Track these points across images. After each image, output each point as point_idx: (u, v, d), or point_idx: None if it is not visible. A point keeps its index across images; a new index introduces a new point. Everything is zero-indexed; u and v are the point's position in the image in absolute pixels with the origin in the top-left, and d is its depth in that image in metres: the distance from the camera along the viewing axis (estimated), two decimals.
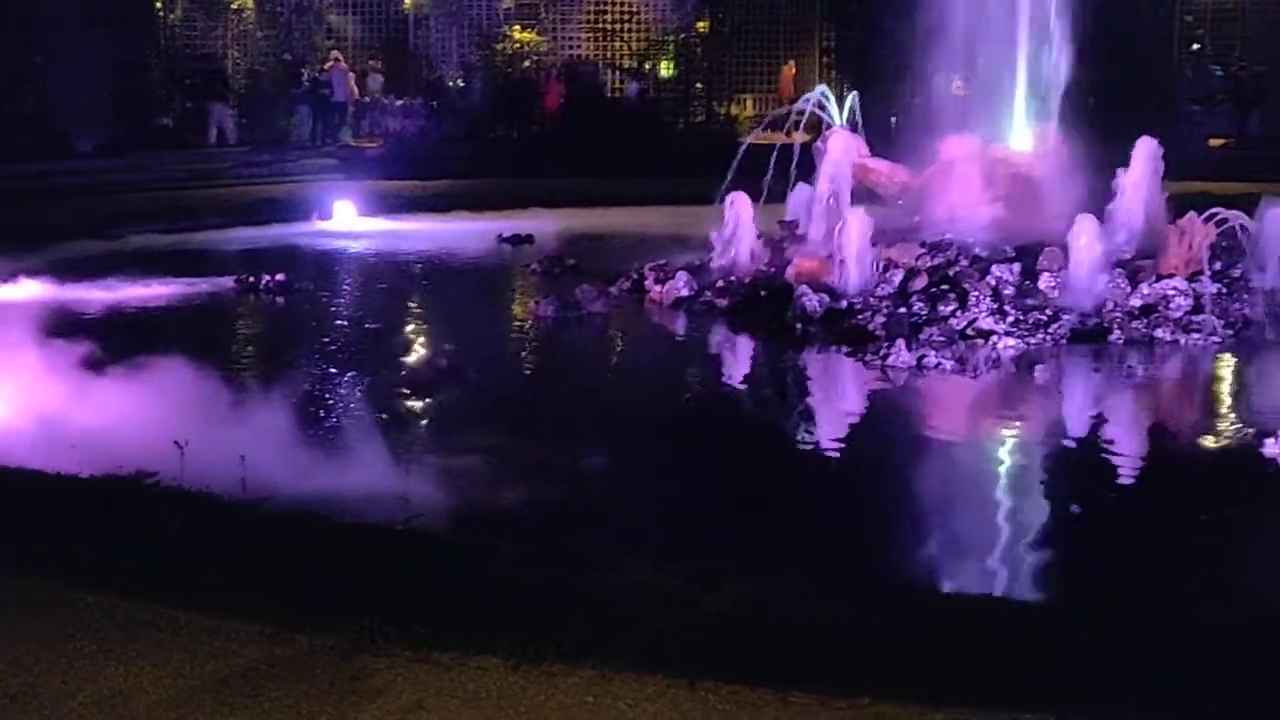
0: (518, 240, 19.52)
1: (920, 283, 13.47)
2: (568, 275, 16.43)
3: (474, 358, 12.08)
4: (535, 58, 33.31)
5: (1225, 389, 12.01)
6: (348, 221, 20.91)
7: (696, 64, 33.26)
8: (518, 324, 14.79)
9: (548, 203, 22.09)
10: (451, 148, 29.37)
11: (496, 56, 33.35)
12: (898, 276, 13.61)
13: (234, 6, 32.81)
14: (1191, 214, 13.69)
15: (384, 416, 9.67)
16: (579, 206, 22.04)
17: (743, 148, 16.69)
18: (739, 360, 13.48)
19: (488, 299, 16.43)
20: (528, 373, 12.68)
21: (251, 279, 15.55)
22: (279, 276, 15.56)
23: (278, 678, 4.93)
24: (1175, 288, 13.10)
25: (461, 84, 33.68)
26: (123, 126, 29.32)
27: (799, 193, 15.75)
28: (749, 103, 33.09)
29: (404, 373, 11.65)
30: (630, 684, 4.87)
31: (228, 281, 15.65)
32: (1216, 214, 13.78)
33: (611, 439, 9.71)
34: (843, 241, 13.80)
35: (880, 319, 12.89)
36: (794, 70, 32.80)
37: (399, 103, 33.24)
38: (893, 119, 17.70)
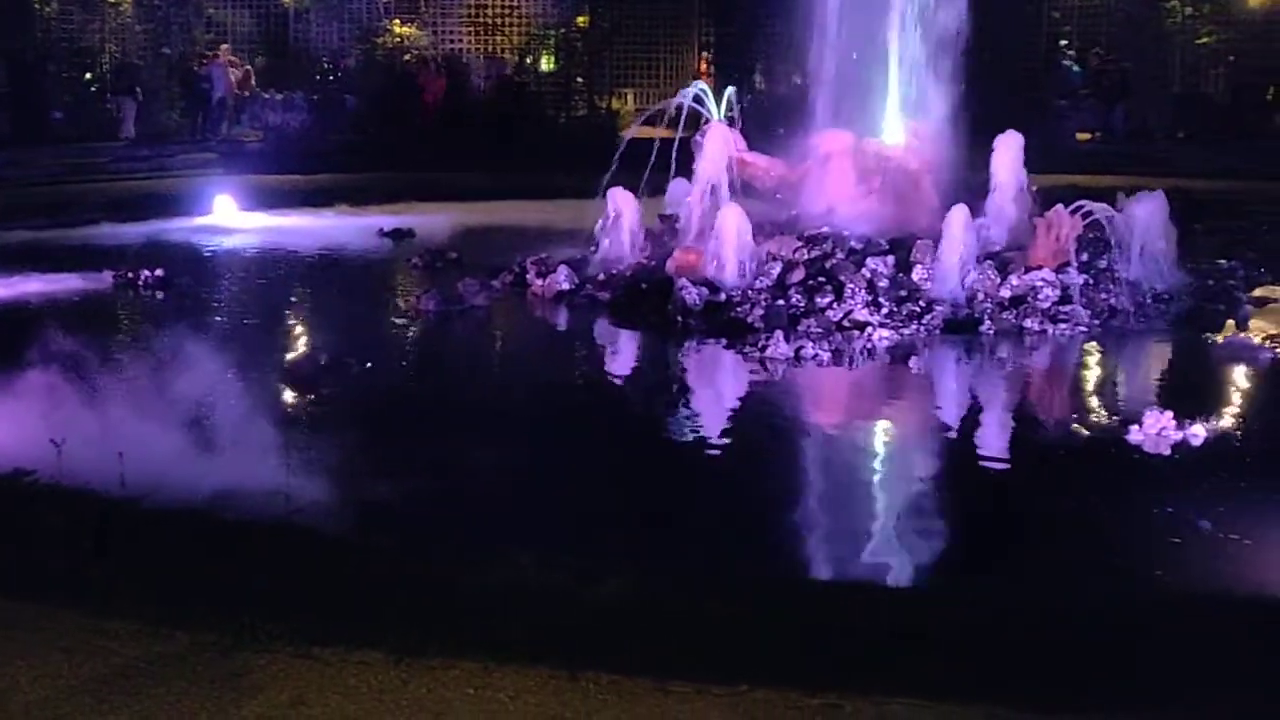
0: (399, 234, 19.44)
1: (797, 275, 13.66)
2: (449, 269, 16.44)
3: (355, 352, 12.04)
4: (415, 51, 33.15)
5: (1092, 377, 12.33)
6: (228, 216, 20.68)
7: (577, 58, 33.31)
8: (399, 318, 14.75)
9: (429, 196, 22.03)
10: (332, 141, 29.14)
11: (377, 50, 33.14)
12: (775, 269, 13.79)
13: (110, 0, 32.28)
14: (1059, 207, 14.01)
15: (264, 412, 9.60)
16: (460, 200, 22.01)
17: (623, 141, 16.80)
18: (620, 353, 13.58)
19: (369, 293, 16.37)
20: (409, 367, 12.68)
21: (130, 274, 15.35)
22: (158, 272, 15.38)
23: (158, 675, 4.92)
24: (1043, 279, 13.42)
25: (342, 78, 33.41)
26: (4, 120, 28.75)
27: (678, 186, 15.90)
28: (630, 97, 33.21)
29: (284, 368, 11.59)
30: (511, 676, 4.92)
31: (106, 277, 15.44)
32: (1083, 206, 14.10)
33: (493, 433, 9.74)
34: (721, 235, 13.97)
35: (759, 311, 13.07)
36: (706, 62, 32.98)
37: (279, 97, 32.89)
38: (771, 112, 17.90)
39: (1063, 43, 30.55)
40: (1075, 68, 29.29)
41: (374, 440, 9.33)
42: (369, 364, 11.59)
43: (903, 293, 13.36)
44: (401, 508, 7.92)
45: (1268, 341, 12.53)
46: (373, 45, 33.25)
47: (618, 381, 12.33)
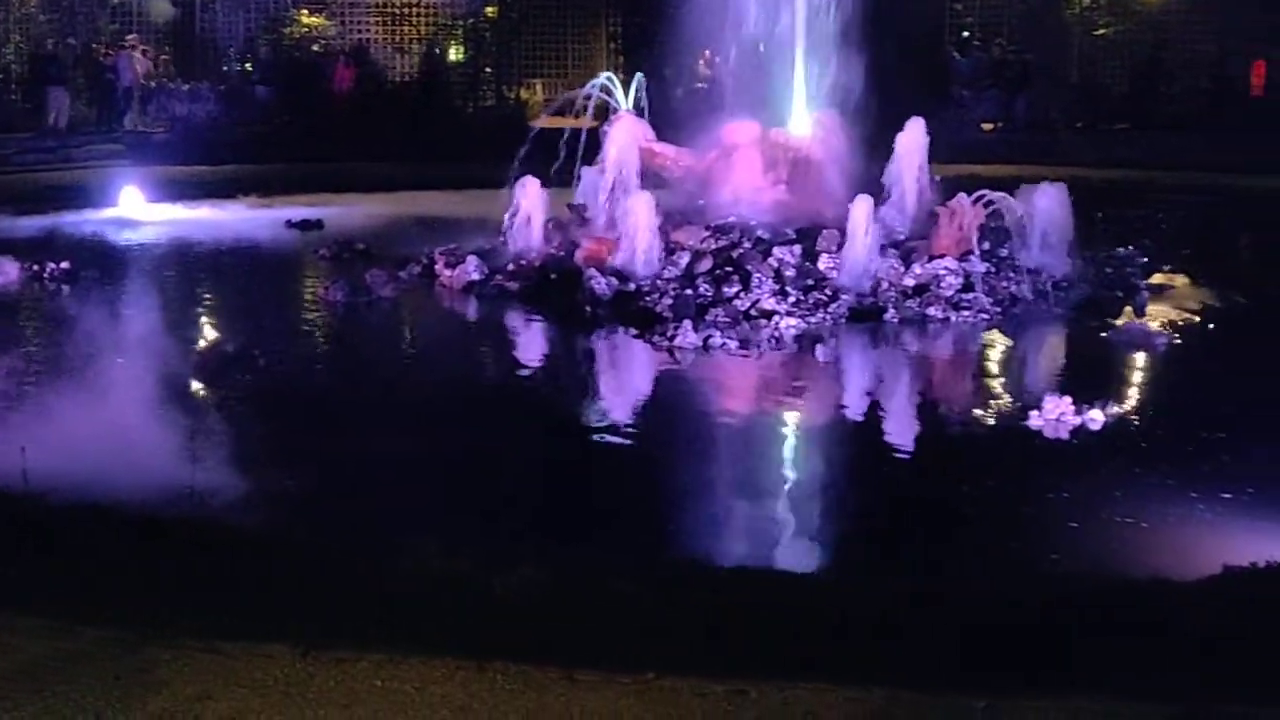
0: (307, 225, 19.33)
1: (705, 265, 13.77)
2: (357, 260, 16.38)
3: (262, 344, 11.97)
4: (323, 42, 32.92)
5: (993, 364, 12.52)
6: (135, 208, 20.44)
7: (486, 48, 33.21)
8: (307, 309, 14.68)
9: (337, 187, 21.92)
10: (240, 133, 28.85)
11: (284, 40, 32.86)
12: (684, 259, 13.89)
13: None
14: (961, 196, 14.23)
15: (169, 405, 9.51)
16: (369, 191, 21.94)
17: (532, 132, 16.82)
18: (529, 343, 13.60)
19: (276, 285, 16.26)
20: (317, 358, 12.63)
21: (35, 267, 15.14)
22: (64, 264, 15.19)
23: (63, 671, 4.89)
24: (946, 267, 13.62)
25: (249, 68, 33.08)
26: None
27: (587, 176, 15.95)
28: (539, 87, 33.17)
29: (190, 360, 11.49)
30: (418, 667, 4.94)
31: (11, 270, 15.19)
32: (984, 196, 14.33)
33: (400, 424, 9.76)
34: (629, 225, 14.04)
35: (667, 301, 13.15)
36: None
37: (185, 87, 32.46)
38: (678, 103, 17.99)
39: (965, 33, 30.91)
40: (960, 57, 29.57)
41: (279, 432, 9.31)
42: (274, 356, 11.53)
43: (809, 282, 13.50)
44: (308, 500, 7.91)
45: (1164, 328, 12.83)
46: (280, 35, 32.93)
47: (526, 371, 12.34)
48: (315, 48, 32.88)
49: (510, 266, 14.81)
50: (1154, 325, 12.88)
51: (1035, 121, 28.87)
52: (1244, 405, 9.98)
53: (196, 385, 10.56)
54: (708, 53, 16.63)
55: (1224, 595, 5.93)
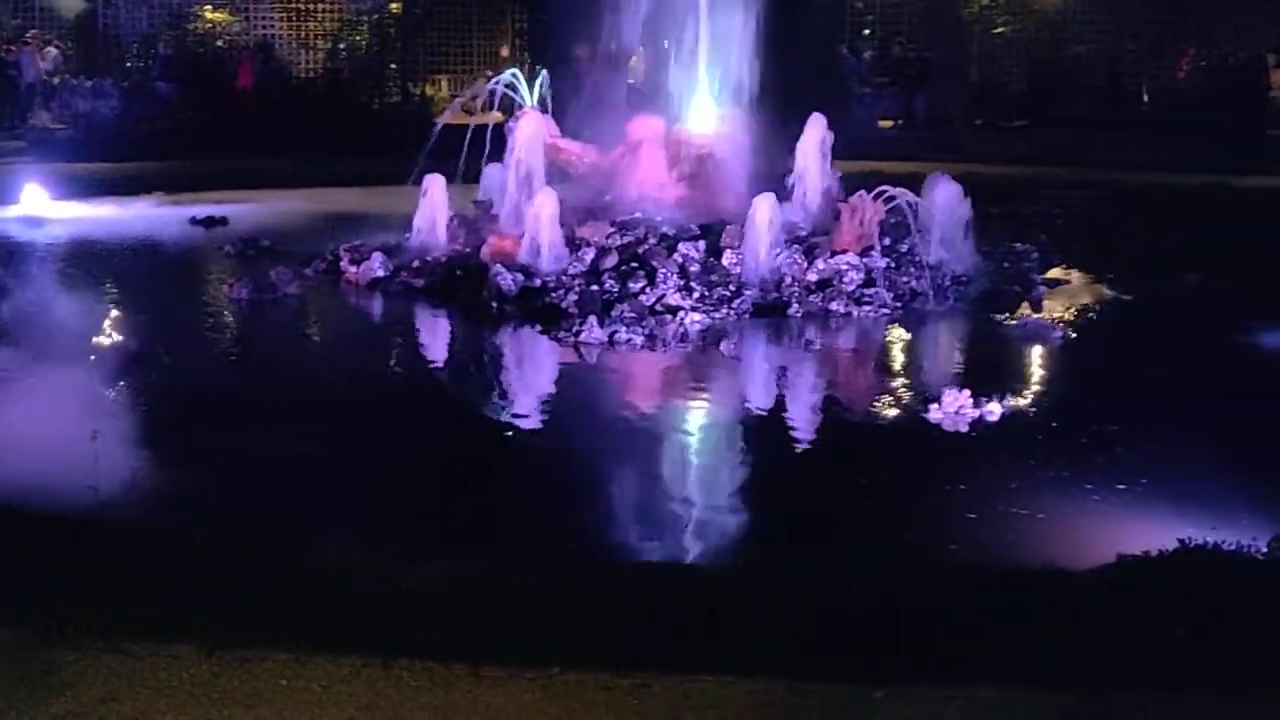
0: (211, 222, 19.15)
1: (611, 261, 13.84)
2: (262, 257, 16.27)
3: (165, 342, 11.87)
4: (227, 37, 32.60)
5: (894, 358, 12.67)
6: (38, 206, 20.13)
7: (390, 44, 33.07)
8: (211, 307, 14.55)
9: (242, 184, 21.74)
10: (144, 129, 28.48)
11: (188, 36, 32.50)
12: (589, 255, 13.95)
13: None
14: (862, 192, 14.40)
15: (73, 403, 9.42)
16: (273, 188, 21.78)
17: (437, 128, 16.80)
18: (435, 339, 13.61)
19: (180, 282, 16.09)
20: (221, 356, 12.51)
21: None
22: None
23: None
24: (848, 263, 13.80)
25: (153, 64, 32.68)
26: None
27: (492, 172, 15.97)
28: (444, 83, 33.08)
29: (92, 358, 11.35)
30: (324, 666, 4.97)
31: None
32: (885, 192, 14.51)
33: (305, 421, 9.74)
34: (535, 221, 14.07)
35: (573, 297, 13.20)
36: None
37: (89, 84, 32.00)
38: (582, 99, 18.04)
39: (866, 31, 31.27)
40: (846, 53, 29.89)
41: (183, 430, 9.24)
42: (178, 354, 11.43)
43: (713, 277, 13.61)
44: (213, 498, 7.87)
45: (1060, 322, 13.09)
46: (184, 31, 32.57)
47: (432, 368, 12.36)
48: (219, 44, 32.55)
49: (415, 263, 14.79)
50: (1050, 319, 13.13)
51: (934, 119, 29.26)
52: (1137, 398, 10.24)
53: (99, 384, 10.43)
54: (641, 49, 16.67)
55: (1118, 584, 6.07)
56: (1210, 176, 21.32)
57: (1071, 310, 13.75)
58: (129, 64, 32.75)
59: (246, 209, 19.84)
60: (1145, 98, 29.01)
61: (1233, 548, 6.38)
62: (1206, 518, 7.11)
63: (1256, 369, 10.85)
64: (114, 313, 13.81)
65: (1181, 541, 6.42)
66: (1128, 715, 4.84)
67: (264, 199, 20.72)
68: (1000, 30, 30.33)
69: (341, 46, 32.64)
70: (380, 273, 14.72)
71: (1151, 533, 6.77)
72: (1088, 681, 5.02)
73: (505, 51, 32.72)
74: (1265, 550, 6.53)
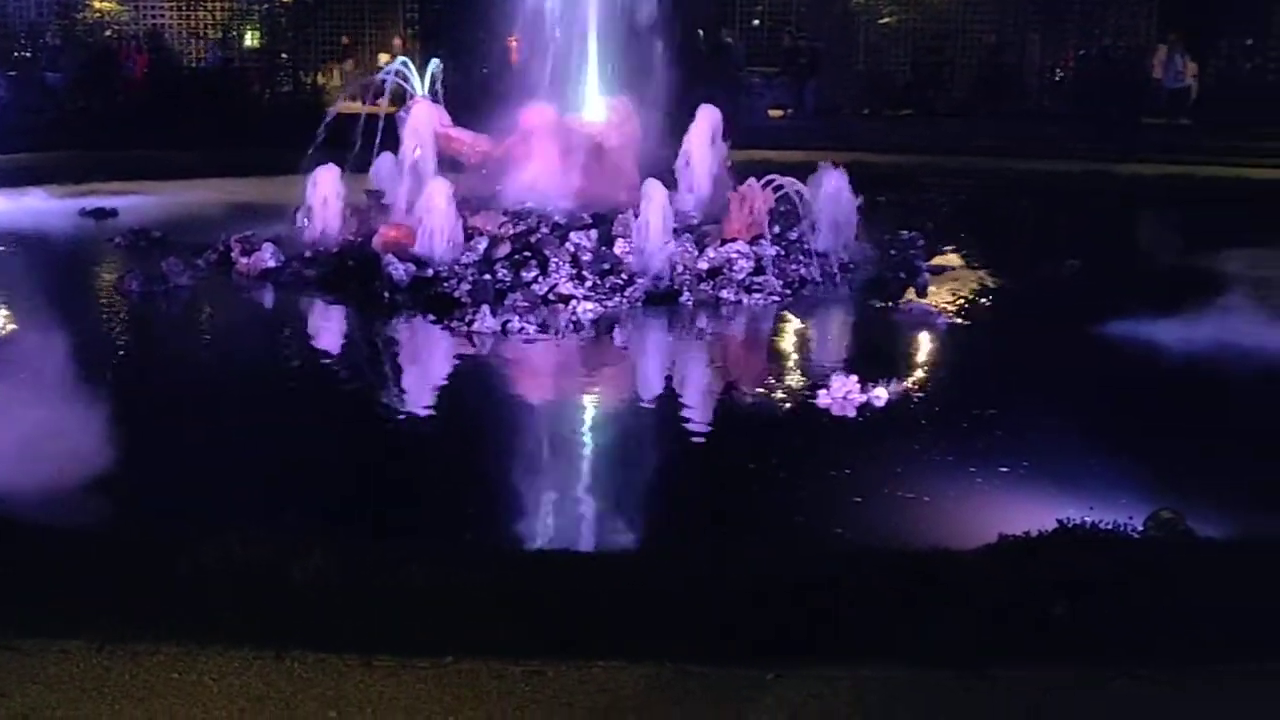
0: (101, 214, 18.86)
1: (503, 250, 13.87)
2: (153, 248, 16.07)
3: (54, 335, 11.67)
4: (117, 27, 32.07)
5: (784, 345, 12.86)
6: None
7: (282, 34, 32.73)
8: (101, 299, 14.34)
9: (132, 175, 21.42)
10: (31, 120, 27.90)
11: (77, 26, 31.92)
12: (482, 244, 13.96)
13: None
14: (751, 181, 14.55)
15: None
16: (164, 178, 21.47)
17: (328, 117, 16.69)
18: (327, 330, 13.55)
19: (69, 275, 15.80)
20: (112, 348, 12.35)
21: None
22: None
23: None
24: (738, 251, 13.94)
25: (41, 54, 32.04)
26: None
27: (383, 162, 15.92)
28: (335, 73, 32.80)
29: None
30: (216, 658, 4.99)
31: None
32: (774, 180, 14.66)
33: (196, 412, 9.69)
34: (427, 211, 14.06)
35: (466, 286, 13.21)
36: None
37: None
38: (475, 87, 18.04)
39: (755, 22, 31.47)
40: (734, 41, 30.07)
41: (72, 424, 9.10)
42: (67, 347, 11.26)
43: (606, 266, 13.69)
44: (103, 492, 7.77)
45: (945, 307, 13.34)
46: (72, 21, 31.98)
47: (324, 359, 12.29)
48: (108, 33, 32.00)
49: (307, 253, 14.71)
50: (935, 305, 13.39)
51: (823, 108, 29.56)
52: (1018, 382, 10.50)
53: None
54: (507, 41, 16.66)
55: (1001, 564, 6.21)
56: (1091, 164, 21.76)
57: (956, 296, 14.00)
58: (16, 54, 32.05)
59: (137, 200, 19.56)
60: (1057, 77, 29.32)
61: (1110, 527, 6.54)
62: (1085, 498, 7.31)
63: (1132, 354, 11.13)
64: (1, 306, 13.63)
65: (1061, 522, 6.58)
66: (1011, 692, 4.98)
67: (155, 190, 20.44)
68: (887, 20, 30.72)
69: (232, 36, 32.23)
70: (271, 263, 14.61)
71: (1032, 513, 6.93)
72: (972, 660, 5.17)
73: (399, 42, 32.41)
74: (1141, 529, 6.72)
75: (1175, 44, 27.49)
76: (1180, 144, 24.74)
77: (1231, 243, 16.24)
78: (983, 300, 14.09)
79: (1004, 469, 8.43)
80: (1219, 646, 5.32)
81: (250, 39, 32.98)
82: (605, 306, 13.16)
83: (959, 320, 13.00)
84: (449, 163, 15.69)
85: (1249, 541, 6.71)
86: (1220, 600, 5.72)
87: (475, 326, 12.27)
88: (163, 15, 32.71)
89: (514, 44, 16.29)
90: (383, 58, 30.24)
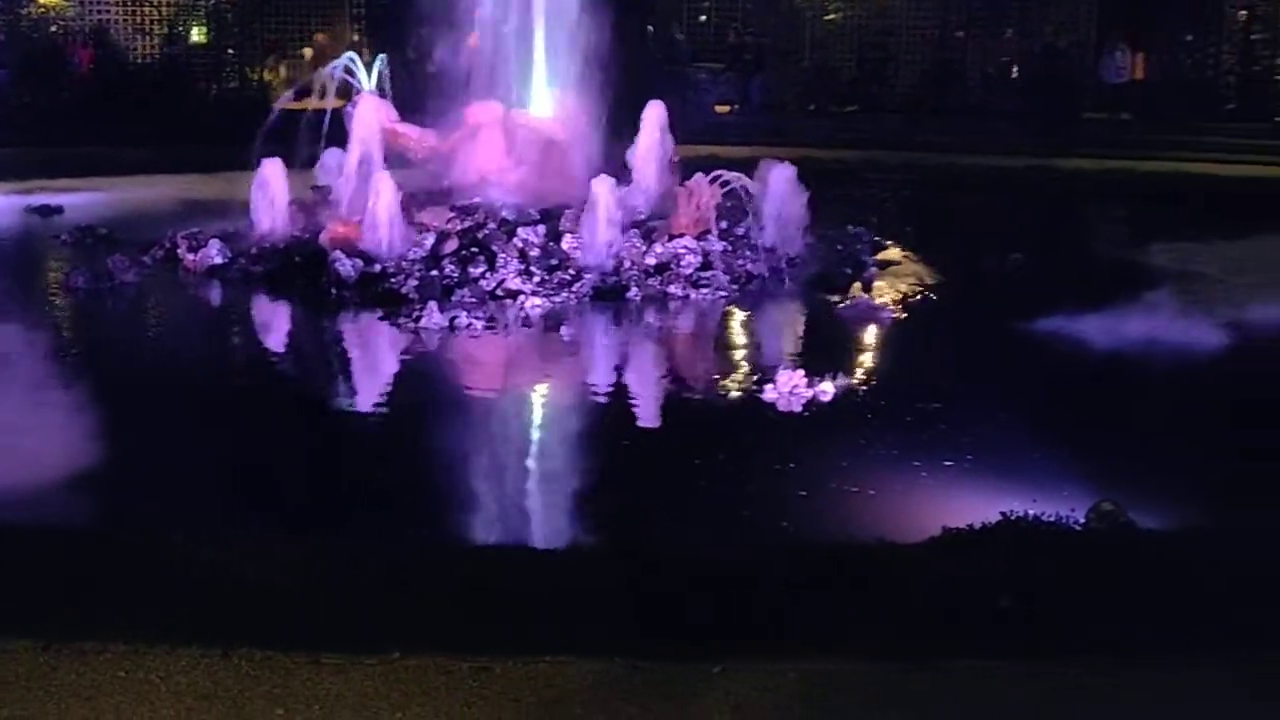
0: (47, 211, 18.75)
1: (451, 246, 13.85)
2: (100, 245, 15.99)
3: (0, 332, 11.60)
4: (62, 23, 31.75)
5: (731, 340, 12.89)
6: None
7: (228, 30, 32.49)
8: (48, 296, 14.23)
9: (79, 171, 21.28)
10: None
11: (21, 22, 31.58)
12: (429, 240, 13.94)
13: None
14: (698, 176, 14.60)
15: None
16: (111, 175, 21.34)
17: (275, 113, 16.63)
18: (273, 326, 13.50)
19: (14, 272, 15.71)
20: (58, 345, 12.24)
21: None
22: None
23: None
24: (686, 246, 13.99)
25: None
26: None
27: (330, 158, 15.87)
28: (282, 69, 32.60)
29: None
30: (163, 657, 4.97)
31: None
32: (721, 176, 14.72)
33: (146, 409, 9.61)
34: (374, 206, 14.02)
35: (413, 282, 13.20)
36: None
37: None
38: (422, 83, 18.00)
39: (702, 18, 31.51)
40: (680, 37, 30.07)
41: (18, 421, 9.04)
42: (13, 345, 11.18)
43: (554, 261, 13.70)
44: (49, 490, 7.71)
45: (890, 302, 13.44)
46: (17, 16, 31.64)
47: (271, 355, 12.26)
48: (53, 29, 31.69)
49: (254, 249, 14.66)
50: (880, 300, 13.47)
51: (769, 104, 29.67)
52: (961, 376, 10.58)
53: None
54: (455, 38, 16.63)
55: (945, 556, 6.29)
56: (1034, 159, 21.96)
57: (901, 291, 14.10)
58: None
59: (84, 197, 19.45)
60: (1000, 73, 29.48)
61: (1053, 519, 6.61)
62: (1027, 491, 7.35)
63: (1073, 347, 11.24)
64: None
65: (1004, 514, 6.64)
66: (959, 683, 5.04)
67: (102, 186, 20.31)
68: (832, 17, 30.85)
69: (179, 32, 31.95)
70: (218, 260, 14.55)
71: (976, 506, 7.01)
72: (917, 651, 5.22)
73: (322, 38, 32.23)
74: (1083, 521, 6.79)
75: (1117, 41, 27.79)
76: (1121, 139, 25.02)
77: (1169, 237, 16.50)
78: (928, 295, 14.21)
79: (949, 463, 8.48)
80: (1161, 635, 5.39)
81: (197, 35, 32.70)
82: (553, 302, 13.17)
83: (905, 314, 13.08)
84: (396, 158, 15.65)
85: (1186, 533, 6.79)
86: (1158, 590, 5.80)
87: (423, 323, 12.26)
88: (108, 11, 32.41)
89: (472, 42, 16.21)
90: (306, 53, 30.15)
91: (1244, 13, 28.37)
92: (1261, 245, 16.19)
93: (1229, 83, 28.21)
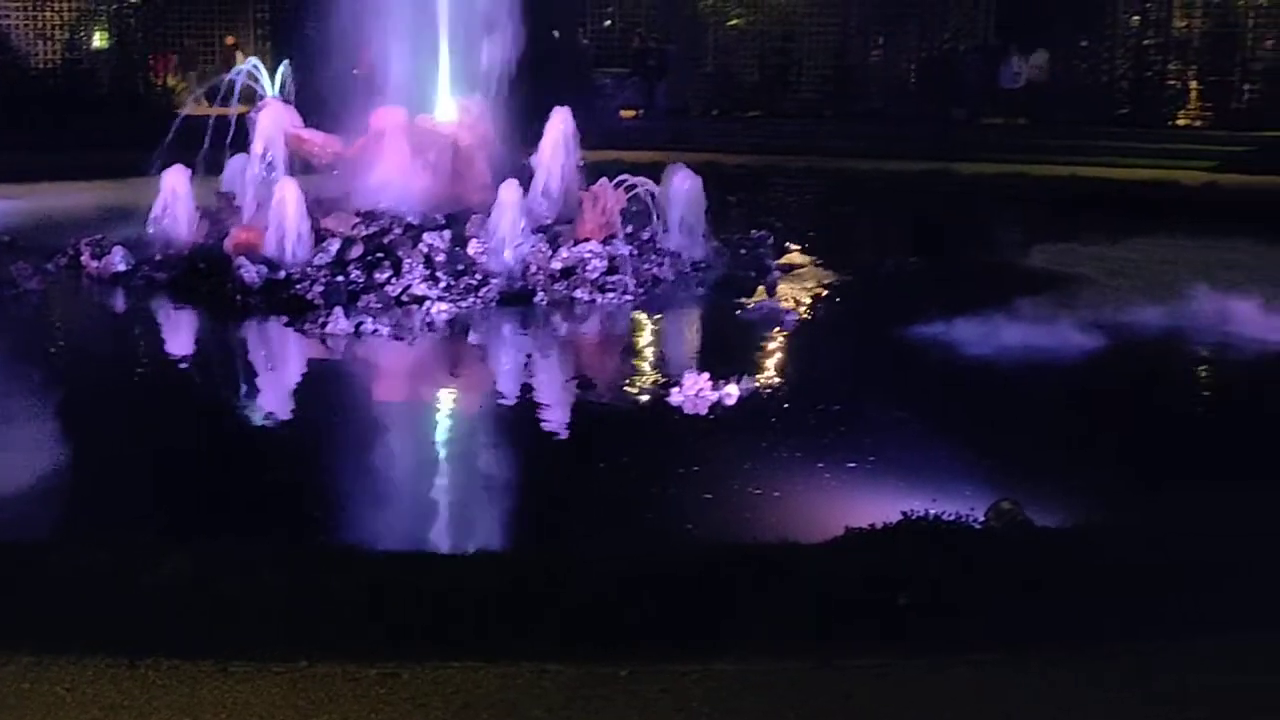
0: None
1: (356, 251, 13.82)
2: (2, 253, 15.73)
3: None
4: None
5: (637, 344, 13.03)
6: None
7: (131, 34, 32.05)
8: None
9: None
10: None
11: None
12: (334, 246, 13.90)
13: None
14: (604, 181, 14.68)
15: None
16: (12, 181, 20.93)
17: (179, 119, 16.49)
18: (178, 334, 13.44)
19: None
20: None
21: None
22: None
23: None
24: (592, 251, 14.05)
25: None
26: None
27: (235, 164, 15.76)
28: (187, 74, 32.18)
29: None
30: (69, 668, 4.97)
31: None
32: (626, 181, 14.83)
33: (48, 418, 9.54)
34: (278, 212, 13.97)
35: (319, 288, 13.16)
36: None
37: None
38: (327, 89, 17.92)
39: (607, 23, 31.56)
40: (588, 43, 30.07)
41: None
42: None
43: (459, 267, 13.72)
44: None
45: (793, 305, 13.62)
46: None
47: (173, 362, 12.19)
48: None
49: (158, 256, 14.54)
50: (784, 303, 13.65)
51: (674, 109, 29.81)
52: (861, 378, 10.78)
53: None
54: (359, 42, 16.56)
55: (847, 555, 6.38)
56: (934, 163, 22.27)
57: (804, 294, 14.30)
58: None
59: None
60: (900, 78, 29.78)
61: (953, 518, 6.74)
62: (928, 490, 7.52)
63: (972, 348, 11.45)
64: None
65: (905, 514, 6.77)
66: (859, 681, 5.15)
67: (3, 193, 19.94)
68: (735, 22, 31.03)
69: (81, 37, 31.41)
70: (122, 267, 14.42)
71: (878, 506, 7.15)
72: (820, 650, 5.33)
73: (230, 40, 31.86)
74: (983, 520, 6.95)
75: (1012, 46, 28.25)
76: (1018, 143, 25.43)
77: (1058, 239, 16.88)
78: (830, 297, 14.41)
79: (851, 464, 8.64)
80: (1055, 630, 5.55)
81: (99, 40, 32.19)
82: (459, 307, 13.20)
83: (807, 317, 13.26)
84: (300, 164, 15.57)
85: (1079, 530, 6.96)
86: (1055, 586, 5.96)
87: (328, 329, 12.24)
88: (8, 16, 31.79)
89: (365, 56, 16.16)
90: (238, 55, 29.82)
91: (1136, 18, 28.88)
92: (1146, 248, 16.62)
93: (1122, 88, 28.70)
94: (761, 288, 14.40)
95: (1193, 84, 28.62)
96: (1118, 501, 7.55)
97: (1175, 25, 28.89)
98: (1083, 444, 8.97)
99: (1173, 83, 28.58)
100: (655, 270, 14.33)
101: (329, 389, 11.17)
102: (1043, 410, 9.92)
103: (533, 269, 13.86)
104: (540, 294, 13.61)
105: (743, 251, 15.57)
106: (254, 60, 17.34)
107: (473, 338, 12.70)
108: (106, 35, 32.13)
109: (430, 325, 12.77)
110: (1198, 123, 28.00)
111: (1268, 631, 5.53)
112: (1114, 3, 28.94)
